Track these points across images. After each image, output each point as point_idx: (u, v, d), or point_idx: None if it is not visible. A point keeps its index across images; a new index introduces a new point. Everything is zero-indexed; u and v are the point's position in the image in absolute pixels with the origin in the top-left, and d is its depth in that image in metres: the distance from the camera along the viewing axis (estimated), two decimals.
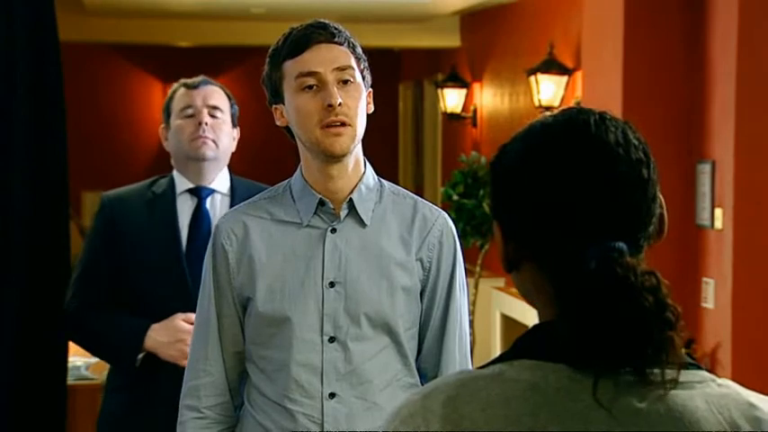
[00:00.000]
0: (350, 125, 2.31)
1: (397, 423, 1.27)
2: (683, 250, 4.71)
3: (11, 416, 3.40)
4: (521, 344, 1.29)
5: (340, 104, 2.29)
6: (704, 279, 4.69)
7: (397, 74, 11.38)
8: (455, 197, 7.13)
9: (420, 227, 2.39)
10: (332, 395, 2.33)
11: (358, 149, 2.38)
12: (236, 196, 3.26)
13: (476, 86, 8.91)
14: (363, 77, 2.37)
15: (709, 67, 4.70)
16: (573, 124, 1.30)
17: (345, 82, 2.32)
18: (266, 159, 10.91)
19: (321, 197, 2.36)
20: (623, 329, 1.19)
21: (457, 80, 9.05)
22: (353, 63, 2.35)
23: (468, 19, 9.15)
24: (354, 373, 2.34)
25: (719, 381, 1.28)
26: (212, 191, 3.28)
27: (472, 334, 7.36)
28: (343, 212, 2.36)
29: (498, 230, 1.34)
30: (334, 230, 2.36)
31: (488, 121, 8.63)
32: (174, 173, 3.30)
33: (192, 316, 3.12)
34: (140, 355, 3.13)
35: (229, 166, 3.34)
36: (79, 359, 4.49)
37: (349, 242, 2.36)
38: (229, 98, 3.35)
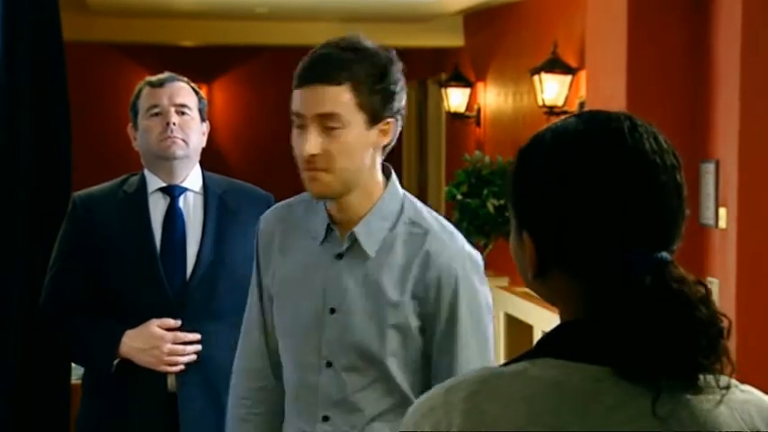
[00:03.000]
0: (328, 171, 2.21)
1: (418, 416, 1.27)
2: (686, 250, 4.65)
3: (15, 415, 3.40)
4: (544, 343, 1.28)
5: (313, 155, 2.20)
6: (708, 279, 4.69)
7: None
8: (459, 196, 7.12)
9: (422, 262, 2.28)
10: (325, 418, 2.32)
11: (366, 180, 2.28)
12: (209, 194, 3.22)
13: (479, 86, 8.90)
14: (370, 109, 2.23)
15: (712, 67, 4.69)
16: (609, 134, 1.28)
17: (330, 128, 2.20)
18: (269, 157, 10.91)
19: (329, 222, 2.32)
20: (680, 341, 1.21)
21: (461, 80, 9.04)
22: (349, 100, 2.21)
23: (472, 18, 9.15)
24: (346, 401, 2.31)
25: (742, 387, 1.29)
26: (185, 189, 3.21)
27: None
28: (346, 243, 2.30)
29: (528, 239, 1.31)
30: (340, 256, 2.31)
31: (492, 121, 8.62)
32: (145, 171, 3.23)
33: (169, 321, 3.12)
34: (116, 361, 3.09)
35: (201, 163, 3.27)
36: None
37: (352, 272, 2.30)
38: (196, 93, 3.26)
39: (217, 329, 3.13)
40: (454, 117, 9.15)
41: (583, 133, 1.29)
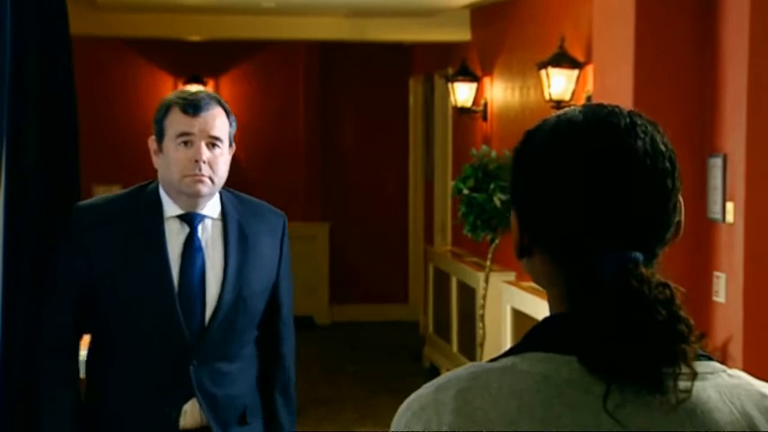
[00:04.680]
0: None
1: (409, 416, 1.27)
2: (694, 244, 4.70)
3: (20, 412, 3.40)
4: (531, 336, 1.29)
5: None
6: (715, 273, 4.68)
7: (408, 68, 11.36)
8: (465, 191, 7.12)
9: None
10: None
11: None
12: (228, 220, 3.05)
13: (486, 80, 8.89)
14: None
15: (720, 61, 4.68)
16: (602, 129, 1.28)
17: None
18: (274, 152, 10.89)
19: None
20: (636, 343, 1.20)
21: (467, 74, 9.03)
22: None
23: (479, 12, 9.14)
24: None
25: (730, 371, 1.29)
26: (204, 217, 3.03)
27: (483, 327, 7.35)
28: None
29: (515, 216, 1.34)
30: None
31: (499, 115, 8.62)
32: (161, 192, 3.05)
33: None
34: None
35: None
36: None
37: None
38: (228, 115, 3.04)
39: (232, 370, 3.04)
40: (461, 111, 9.14)
41: (578, 125, 1.30)
